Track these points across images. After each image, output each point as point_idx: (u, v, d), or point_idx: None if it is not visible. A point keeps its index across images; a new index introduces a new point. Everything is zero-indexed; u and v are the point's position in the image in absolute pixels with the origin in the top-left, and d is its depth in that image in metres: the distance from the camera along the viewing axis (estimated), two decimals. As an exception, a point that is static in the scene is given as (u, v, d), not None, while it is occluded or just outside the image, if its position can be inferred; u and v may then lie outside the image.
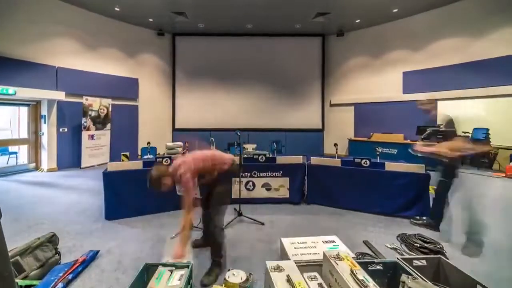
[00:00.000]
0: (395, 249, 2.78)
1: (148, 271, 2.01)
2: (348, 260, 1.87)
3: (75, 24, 7.43)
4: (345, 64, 9.76)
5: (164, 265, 2.05)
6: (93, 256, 2.61)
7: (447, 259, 2.24)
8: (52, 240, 2.57)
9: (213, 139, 5.18)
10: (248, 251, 2.81)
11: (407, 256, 2.59)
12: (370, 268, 2.04)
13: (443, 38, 7.70)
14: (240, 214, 3.71)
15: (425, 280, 1.82)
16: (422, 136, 7.18)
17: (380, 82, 8.96)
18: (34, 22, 6.58)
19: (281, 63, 9.96)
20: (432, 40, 7.90)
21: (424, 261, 2.19)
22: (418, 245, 2.79)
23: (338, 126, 9.89)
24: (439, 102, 7.88)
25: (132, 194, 3.78)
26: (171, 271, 1.93)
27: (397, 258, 2.14)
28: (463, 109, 8.55)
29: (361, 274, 1.70)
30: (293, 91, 10.03)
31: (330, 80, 10.07)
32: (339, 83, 9.93)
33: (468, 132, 7.93)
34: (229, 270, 2.31)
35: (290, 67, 9.96)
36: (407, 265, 2.02)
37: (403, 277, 1.89)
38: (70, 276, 2.25)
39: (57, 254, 2.55)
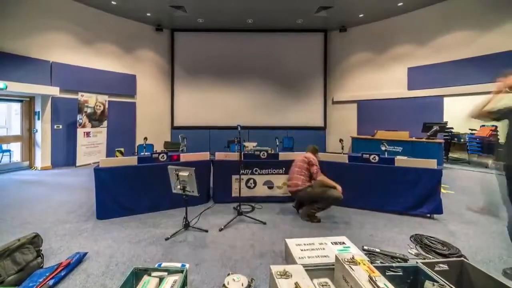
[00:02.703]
0: (417, 254, 2.51)
1: (136, 276, 1.78)
2: (364, 264, 1.63)
3: (70, 17, 7.21)
4: (348, 60, 9.53)
5: (155, 269, 1.82)
6: (80, 258, 2.37)
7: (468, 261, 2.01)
8: (34, 241, 2.34)
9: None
10: (250, 254, 2.58)
11: (427, 259, 2.37)
12: (388, 273, 1.81)
13: (449, 32, 7.47)
14: (240, 213, 3.48)
15: (451, 287, 1.59)
16: (428, 133, 7.04)
17: (384, 79, 8.74)
18: (27, 15, 6.36)
19: (282, 59, 9.73)
20: (438, 35, 7.67)
21: (445, 265, 1.96)
22: (434, 247, 2.55)
23: (340, 123, 9.67)
24: (445, 99, 7.69)
25: (125, 192, 3.55)
26: (162, 278, 1.70)
27: (417, 262, 1.91)
28: (471, 106, 8.31)
29: (382, 281, 1.47)
30: (295, 88, 9.80)
31: (332, 77, 9.84)
32: (341, 80, 9.70)
33: (475, 130, 7.71)
34: (228, 274, 2.07)
35: (292, 63, 9.73)
36: (430, 270, 1.79)
37: (428, 284, 1.66)
38: (51, 282, 2.02)
39: (39, 257, 2.32)
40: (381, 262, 2.27)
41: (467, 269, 1.91)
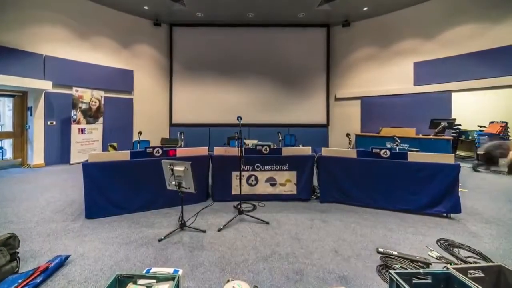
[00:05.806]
0: (440, 258, 2.24)
1: (120, 284, 1.52)
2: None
3: (65, 10, 6.94)
4: (351, 56, 9.26)
5: (142, 276, 1.56)
6: (60, 262, 2.11)
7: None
8: (9, 242, 2.07)
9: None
10: (252, 257, 2.31)
11: (455, 264, 2.10)
12: (414, 281, 1.55)
13: (457, 25, 7.20)
14: (241, 212, 3.22)
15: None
16: (436, 130, 6.78)
17: (389, 74, 8.47)
18: (20, 7, 6.09)
19: (283, 55, 9.46)
20: (445, 28, 7.40)
21: (480, 271, 1.70)
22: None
23: (343, 121, 9.40)
24: (453, 94, 7.43)
25: (117, 189, 3.29)
26: (149, 287, 1.43)
27: (447, 268, 1.65)
28: (479, 101, 8.05)
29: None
30: (296, 85, 9.53)
31: (335, 73, 9.57)
32: (345, 76, 9.43)
33: (484, 126, 7.44)
34: (228, 281, 1.81)
35: (293, 59, 9.46)
36: (464, 277, 1.52)
37: (465, 295, 1.40)
38: (24, 290, 1.76)
39: (14, 261, 2.05)
40: (401, 267, 2.01)
41: (506, 276, 1.65)
